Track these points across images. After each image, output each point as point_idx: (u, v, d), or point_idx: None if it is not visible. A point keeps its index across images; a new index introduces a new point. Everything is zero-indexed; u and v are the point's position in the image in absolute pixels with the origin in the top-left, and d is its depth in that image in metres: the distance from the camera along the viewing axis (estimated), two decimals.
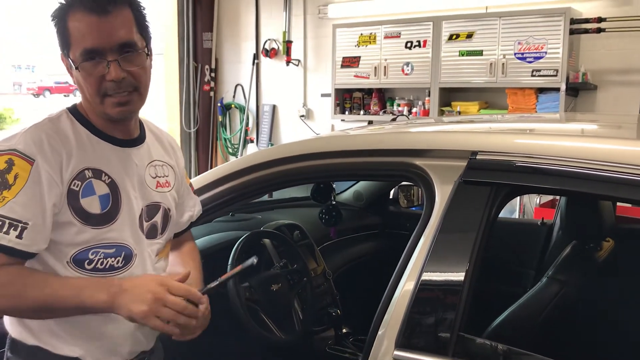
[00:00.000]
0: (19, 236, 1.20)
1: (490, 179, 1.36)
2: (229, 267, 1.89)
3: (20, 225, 1.20)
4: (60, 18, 1.26)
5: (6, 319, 1.38)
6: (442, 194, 1.40)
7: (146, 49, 1.32)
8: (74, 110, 1.36)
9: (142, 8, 1.32)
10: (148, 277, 1.30)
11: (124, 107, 1.30)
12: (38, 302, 1.22)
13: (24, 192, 1.21)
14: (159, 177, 1.45)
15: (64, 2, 1.26)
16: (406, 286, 1.35)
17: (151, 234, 1.42)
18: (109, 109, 1.29)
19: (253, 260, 1.39)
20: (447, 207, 1.37)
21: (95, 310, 1.26)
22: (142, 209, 1.39)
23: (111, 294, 1.23)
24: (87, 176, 1.30)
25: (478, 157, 1.39)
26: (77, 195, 1.28)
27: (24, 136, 1.26)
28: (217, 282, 1.38)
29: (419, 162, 1.50)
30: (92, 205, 1.29)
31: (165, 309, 1.23)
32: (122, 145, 1.37)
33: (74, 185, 1.27)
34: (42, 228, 1.24)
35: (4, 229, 1.19)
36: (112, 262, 1.33)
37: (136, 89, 1.30)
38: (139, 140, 1.43)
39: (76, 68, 1.26)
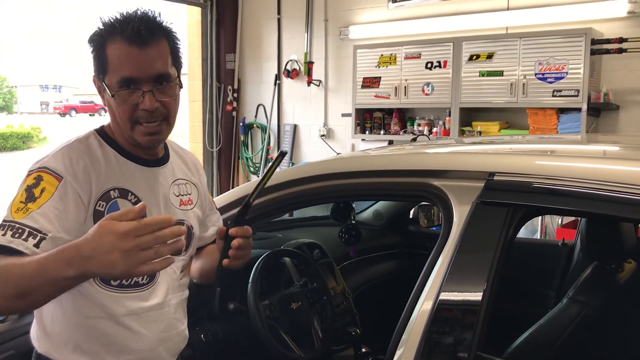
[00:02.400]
0: (37, 245, 1.19)
1: (507, 199, 1.37)
2: (249, 284, 1.91)
3: (39, 235, 1.19)
4: (99, 44, 1.30)
5: (33, 335, 1.42)
6: (459, 215, 1.42)
7: (178, 79, 1.36)
8: (101, 132, 1.40)
9: (177, 39, 1.36)
10: (99, 230, 1.05)
11: (153, 137, 1.35)
12: (12, 285, 1.10)
13: (48, 205, 1.23)
14: (182, 195, 1.49)
15: (103, 27, 1.30)
16: (424, 306, 1.36)
17: (177, 251, 1.45)
18: (139, 136, 1.34)
19: (282, 151, 1.33)
20: (465, 227, 1.38)
21: (72, 285, 1.12)
22: None
23: (76, 265, 1.06)
24: (113, 196, 1.33)
25: (495, 178, 1.41)
26: (103, 215, 1.30)
27: (55, 156, 1.30)
28: (252, 195, 1.34)
29: (436, 182, 1.52)
30: None
31: (143, 253, 1.04)
32: (148, 165, 1.41)
33: (99, 206, 1.31)
34: (62, 242, 1.20)
35: (23, 236, 1.18)
36: (137, 278, 1.36)
37: (166, 119, 1.34)
38: (164, 159, 1.47)
39: (112, 95, 1.30)
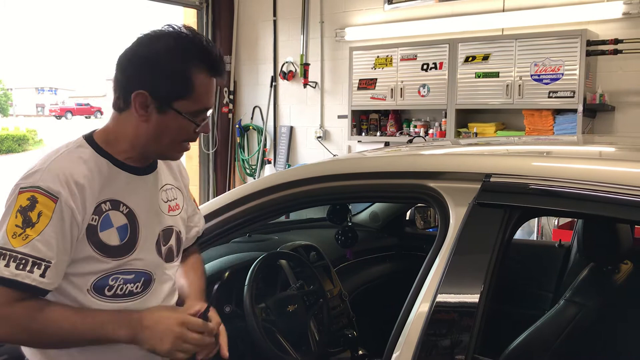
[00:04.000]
0: (42, 275, 1.20)
1: (504, 201, 1.37)
2: (245, 287, 1.91)
3: (43, 264, 1.21)
4: (181, 66, 1.27)
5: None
6: (456, 216, 1.42)
7: None
8: (90, 140, 1.35)
9: None
10: (166, 313, 1.32)
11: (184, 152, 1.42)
12: (58, 337, 1.25)
13: (47, 230, 1.21)
14: (170, 200, 1.48)
15: (183, 49, 1.27)
16: (421, 308, 1.36)
17: (169, 257, 1.45)
18: (176, 153, 1.41)
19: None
20: (462, 229, 1.38)
21: (115, 342, 1.30)
22: (159, 234, 1.41)
23: (133, 330, 1.27)
24: (105, 209, 1.31)
25: (492, 179, 1.40)
26: (96, 229, 1.29)
27: (47, 172, 1.25)
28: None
29: (433, 184, 1.51)
30: (110, 237, 1.31)
31: (186, 345, 1.29)
32: (138, 174, 1.39)
33: (92, 220, 1.29)
34: (64, 265, 1.25)
35: (28, 268, 1.19)
36: (132, 287, 1.35)
37: None
38: (152, 166, 1.45)
39: (197, 126, 1.33)
